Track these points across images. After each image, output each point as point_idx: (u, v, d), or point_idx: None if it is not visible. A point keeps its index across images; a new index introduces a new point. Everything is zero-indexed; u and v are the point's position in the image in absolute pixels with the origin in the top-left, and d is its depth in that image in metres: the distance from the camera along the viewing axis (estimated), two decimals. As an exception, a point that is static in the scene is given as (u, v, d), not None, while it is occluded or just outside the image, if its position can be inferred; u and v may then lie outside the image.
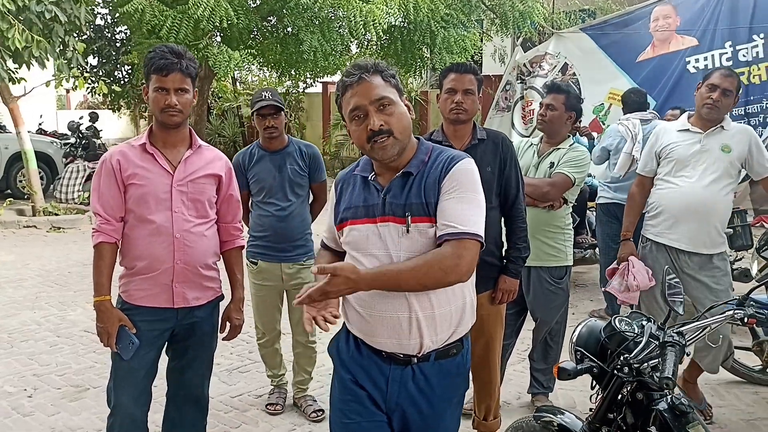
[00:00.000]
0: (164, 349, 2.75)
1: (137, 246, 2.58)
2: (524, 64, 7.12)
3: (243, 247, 2.86)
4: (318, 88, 16.55)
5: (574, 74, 6.85)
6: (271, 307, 3.72)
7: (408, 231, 1.89)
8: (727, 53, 6.03)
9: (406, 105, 1.97)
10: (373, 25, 7.48)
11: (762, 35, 5.82)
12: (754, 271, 4.28)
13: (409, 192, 1.93)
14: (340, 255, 2.13)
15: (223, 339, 2.83)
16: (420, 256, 1.86)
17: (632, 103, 5.30)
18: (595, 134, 6.23)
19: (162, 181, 2.56)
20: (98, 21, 12.01)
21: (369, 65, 1.93)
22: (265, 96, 3.54)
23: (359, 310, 1.97)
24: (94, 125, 12.12)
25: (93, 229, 2.59)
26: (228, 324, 2.83)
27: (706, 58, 6.15)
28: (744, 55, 5.92)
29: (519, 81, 7.15)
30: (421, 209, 1.90)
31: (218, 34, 8.30)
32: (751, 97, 5.77)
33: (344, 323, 2.10)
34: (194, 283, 2.64)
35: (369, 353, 2.00)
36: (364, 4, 7.53)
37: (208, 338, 2.77)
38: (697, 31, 6.19)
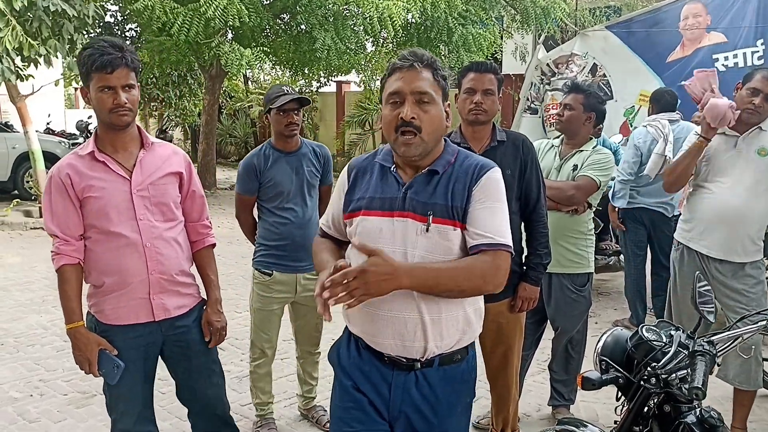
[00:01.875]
0: (163, 369, 2.60)
1: (104, 261, 2.39)
2: (547, 65, 6.98)
3: (214, 245, 2.67)
4: (332, 88, 16.48)
5: (604, 75, 6.72)
6: (277, 321, 3.50)
7: (428, 230, 1.87)
8: (758, 51, 5.87)
9: (446, 111, 1.94)
10: (390, 21, 7.37)
11: None
12: (788, 280, 4.13)
13: (434, 191, 1.90)
14: (341, 246, 2.09)
15: (209, 346, 2.61)
16: (458, 260, 1.87)
17: (665, 102, 5.14)
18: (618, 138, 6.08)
19: (120, 188, 2.37)
20: (108, 18, 11.97)
21: (426, 57, 1.90)
22: (286, 90, 3.35)
23: (363, 308, 1.89)
24: (103, 124, 12.09)
25: (52, 252, 2.40)
26: (210, 328, 2.60)
27: (735, 56, 6.00)
28: None
29: (541, 82, 7.02)
30: (445, 211, 1.88)
31: (230, 32, 8.22)
32: None
33: (345, 328, 2.08)
34: (173, 291, 2.49)
35: (371, 358, 1.97)
36: (381, 1, 7.41)
37: (203, 345, 2.60)
38: (728, 28, 6.03)
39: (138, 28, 11.32)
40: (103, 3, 9.75)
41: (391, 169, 1.95)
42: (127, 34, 12.60)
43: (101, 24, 11.14)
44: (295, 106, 3.32)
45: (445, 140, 2.00)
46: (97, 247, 2.40)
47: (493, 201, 1.90)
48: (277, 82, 15.97)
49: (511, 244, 1.90)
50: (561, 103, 3.53)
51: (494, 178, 1.93)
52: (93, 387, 4.06)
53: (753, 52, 5.92)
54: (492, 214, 1.89)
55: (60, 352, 4.66)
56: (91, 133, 11.79)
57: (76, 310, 2.39)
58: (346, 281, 1.71)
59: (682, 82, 3.22)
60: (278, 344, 3.61)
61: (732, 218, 3.25)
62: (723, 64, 6.07)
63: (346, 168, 2.06)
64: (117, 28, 12.53)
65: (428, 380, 1.95)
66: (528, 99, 7.13)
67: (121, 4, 10.86)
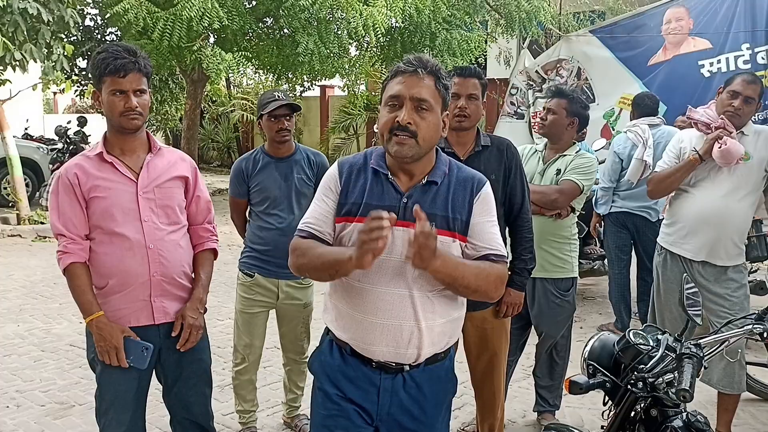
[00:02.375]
0: (154, 373, 2.57)
1: (108, 262, 2.40)
2: (536, 71, 7.00)
3: (214, 250, 2.64)
4: (316, 92, 16.42)
5: (587, 79, 6.75)
6: (260, 327, 3.45)
7: None
8: (744, 56, 5.92)
9: (444, 121, 1.96)
10: (373, 27, 7.35)
11: None
12: (770, 283, 4.16)
13: (433, 202, 1.93)
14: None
15: (178, 345, 2.50)
16: (478, 263, 1.92)
17: (645, 106, 5.16)
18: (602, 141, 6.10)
19: (126, 190, 2.40)
20: (87, 22, 11.84)
21: (431, 64, 1.91)
22: (278, 96, 3.32)
23: (356, 315, 1.93)
24: (83, 130, 11.91)
25: (58, 251, 2.38)
26: (182, 324, 2.49)
27: (719, 61, 6.04)
28: (763, 58, 5.82)
29: (529, 88, 7.03)
30: (445, 222, 1.91)
31: (212, 35, 8.16)
32: (766, 102, 5.66)
33: (324, 336, 2.08)
34: (173, 295, 2.49)
35: (357, 364, 1.97)
36: (365, 7, 7.39)
37: (199, 353, 2.58)
38: (712, 33, 6.08)
39: (118, 32, 11.21)
40: (82, 7, 9.66)
41: (388, 176, 1.94)
42: (107, 38, 12.47)
43: (80, 28, 11.01)
44: (286, 111, 3.29)
45: (437, 150, 2.01)
46: (100, 249, 2.41)
47: (492, 215, 2.00)
48: (260, 86, 15.90)
49: (506, 256, 2.00)
50: (544, 107, 3.53)
51: (490, 192, 2.01)
52: (71, 398, 4.00)
53: (737, 57, 5.97)
54: (493, 228, 1.99)
55: (37, 362, 4.58)
56: (70, 139, 11.70)
57: (92, 301, 2.38)
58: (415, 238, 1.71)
59: (685, 116, 3.24)
60: (263, 352, 3.56)
61: (715, 222, 3.25)
62: (708, 70, 6.12)
63: (335, 167, 2.02)
64: (97, 32, 12.40)
65: (416, 381, 1.98)
66: (514, 104, 7.14)
67: (100, 8, 10.75)
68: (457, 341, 2.97)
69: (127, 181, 2.41)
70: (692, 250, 3.31)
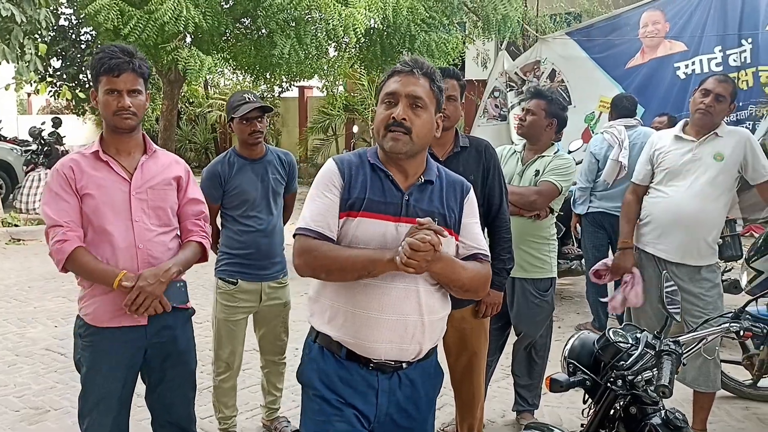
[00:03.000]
0: (139, 374, 2.56)
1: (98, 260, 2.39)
2: (515, 73, 7.06)
3: (201, 244, 2.57)
4: (294, 93, 16.36)
5: (562, 81, 6.80)
6: (242, 332, 3.42)
7: None
8: (716, 58, 6.02)
9: (437, 122, 2.02)
10: (353, 28, 7.34)
11: (750, 40, 5.82)
12: (743, 282, 4.22)
13: (431, 200, 2.00)
14: None
15: (123, 303, 2.37)
16: (470, 263, 2.00)
17: (623, 108, 5.21)
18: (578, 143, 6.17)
19: (119, 189, 2.41)
20: (62, 21, 11.67)
21: (427, 67, 1.98)
22: (249, 98, 3.29)
23: (359, 312, 1.93)
24: (57, 131, 11.74)
25: (56, 242, 2.33)
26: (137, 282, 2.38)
27: (694, 63, 6.14)
28: (734, 60, 5.92)
29: (509, 89, 7.08)
30: (443, 220, 1.98)
31: (188, 36, 8.07)
32: (740, 103, 5.76)
33: (312, 344, 2.05)
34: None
35: (354, 367, 1.97)
36: (344, 8, 7.37)
37: (184, 356, 2.59)
38: (687, 36, 6.17)
39: (93, 32, 11.06)
40: (56, 7, 9.51)
41: (389, 174, 1.97)
42: (81, 38, 12.30)
43: (54, 28, 10.86)
44: (257, 114, 3.26)
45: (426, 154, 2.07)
46: (90, 247, 2.39)
47: (477, 217, 2.11)
48: (238, 87, 15.81)
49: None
50: (523, 108, 3.55)
51: (474, 195, 2.12)
52: (47, 402, 3.95)
53: (710, 59, 6.07)
54: (479, 229, 2.10)
55: (12, 367, 4.51)
56: (44, 140, 11.50)
57: (108, 267, 2.36)
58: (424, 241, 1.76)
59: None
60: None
61: (688, 222, 3.29)
62: (684, 72, 6.21)
63: (332, 164, 2.02)
64: (71, 32, 12.23)
65: (410, 379, 2.01)
66: (498, 106, 7.20)
67: (75, 8, 10.60)
68: None
69: (120, 180, 2.42)
70: (666, 250, 3.35)
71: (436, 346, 2.10)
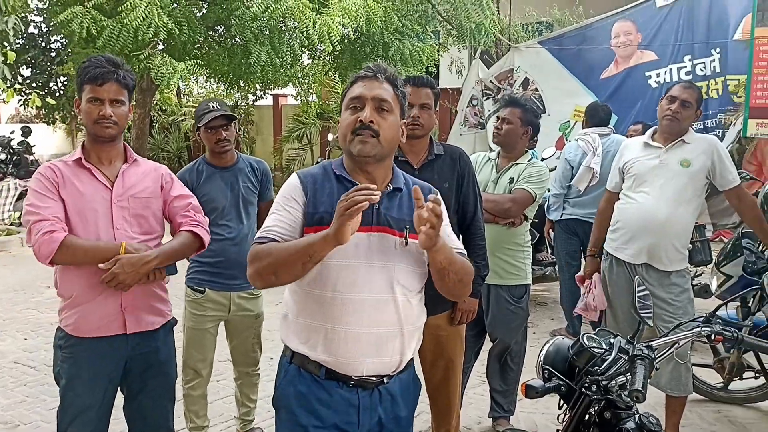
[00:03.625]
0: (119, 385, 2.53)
1: (78, 269, 2.37)
2: (490, 81, 7.13)
3: (192, 232, 2.51)
4: (269, 101, 16.29)
5: (536, 89, 6.87)
6: (212, 341, 3.39)
7: (406, 244, 1.91)
8: (686, 67, 6.14)
9: (402, 128, 1.99)
10: (328, 36, 7.35)
11: (718, 50, 5.94)
12: (713, 286, 4.29)
13: (401, 208, 1.96)
14: None
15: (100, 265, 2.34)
16: (461, 259, 1.97)
17: (597, 117, 5.29)
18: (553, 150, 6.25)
19: (101, 196, 2.41)
20: (31, 29, 11.51)
21: (390, 72, 1.96)
22: (213, 107, 3.28)
23: (338, 329, 1.87)
24: (27, 140, 11.55)
25: (44, 233, 2.26)
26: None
27: (665, 72, 6.25)
28: (702, 70, 6.04)
29: (486, 98, 7.15)
30: (414, 227, 1.90)
31: (161, 43, 8.01)
32: (710, 112, 5.88)
33: (287, 365, 1.97)
34: (145, 305, 2.48)
35: (333, 387, 1.91)
36: (319, 16, 7.38)
37: (165, 367, 2.57)
38: (658, 45, 6.29)
39: (63, 40, 10.92)
40: (26, 14, 9.37)
41: (356, 183, 1.90)
42: (52, 46, 12.15)
43: (23, 36, 10.71)
44: (222, 122, 3.25)
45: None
46: None
47: (447, 220, 2.00)
48: (212, 95, 15.70)
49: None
50: (498, 116, 3.57)
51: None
52: (16, 417, 3.87)
53: (680, 68, 6.19)
54: (451, 230, 2.06)
55: (-21, 382, 4.41)
56: (13, 149, 11.30)
57: (105, 243, 2.34)
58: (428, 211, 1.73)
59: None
60: (214, 365, 3.50)
61: (657, 227, 3.33)
62: (655, 81, 6.32)
63: (295, 179, 1.99)
64: (41, 39, 12.07)
65: (390, 393, 1.96)
66: (477, 114, 7.27)
67: (45, 16, 10.47)
68: None
69: (102, 188, 2.42)
70: (635, 255, 3.39)
71: (413, 356, 2.07)
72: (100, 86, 2.34)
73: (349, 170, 1.96)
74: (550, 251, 5.97)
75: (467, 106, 7.39)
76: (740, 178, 3.59)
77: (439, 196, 1.84)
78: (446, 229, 2.02)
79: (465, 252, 2.08)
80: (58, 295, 2.46)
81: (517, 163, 3.52)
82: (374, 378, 1.92)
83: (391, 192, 1.96)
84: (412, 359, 2.05)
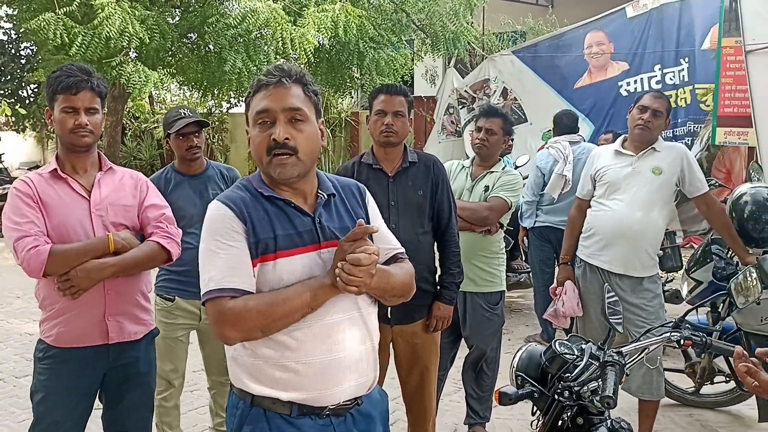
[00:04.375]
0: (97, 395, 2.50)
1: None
2: (465, 90, 7.18)
3: (158, 244, 2.48)
4: (243, 109, 16.20)
5: (515, 99, 6.94)
6: (183, 350, 3.35)
7: None
8: (656, 76, 6.25)
9: (320, 129, 1.82)
10: (303, 45, 7.35)
11: (687, 59, 6.06)
12: (684, 292, 4.35)
13: (339, 215, 1.83)
14: None
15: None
16: (394, 266, 1.86)
17: (563, 125, 5.37)
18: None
19: (79, 207, 2.39)
20: (0, 36, 11.33)
21: (294, 71, 1.76)
22: (184, 113, 3.25)
23: (310, 360, 1.71)
24: (-4, 149, 11.38)
25: (29, 249, 2.23)
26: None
27: (636, 81, 6.36)
28: (671, 78, 6.16)
29: (461, 106, 7.20)
30: None
31: (133, 51, 7.93)
32: (678, 120, 5.99)
33: (250, 409, 1.75)
34: (129, 314, 2.47)
35: (307, 423, 1.74)
36: (295, 28, 7.38)
37: (145, 378, 2.55)
38: (629, 55, 6.40)
39: (33, 47, 10.76)
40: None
41: (290, 202, 1.76)
42: (21, 52, 11.97)
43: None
44: (194, 128, 3.22)
45: None
46: None
47: (380, 216, 1.97)
48: (185, 102, 15.58)
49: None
50: (481, 127, 3.54)
51: (369, 193, 1.98)
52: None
53: (650, 77, 6.30)
54: (386, 228, 1.95)
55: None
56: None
57: (93, 240, 2.34)
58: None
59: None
60: (188, 375, 3.45)
61: (630, 234, 3.37)
62: (626, 89, 6.43)
63: (222, 207, 1.74)
64: (11, 46, 11.88)
65: (362, 413, 1.83)
66: (453, 123, 7.33)
67: (14, 22, 10.30)
68: (388, 356, 2.99)
69: (79, 198, 2.40)
70: (609, 261, 3.42)
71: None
72: (74, 95, 2.32)
73: (272, 188, 1.77)
74: (524, 258, 6.01)
75: (444, 114, 7.45)
76: (709, 186, 3.65)
77: (363, 223, 1.68)
78: (383, 228, 1.92)
79: (402, 250, 1.93)
80: (40, 307, 2.43)
81: (492, 171, 3.54)
82: (350, 402, 1.79)
83: (326, 201, 1.81)
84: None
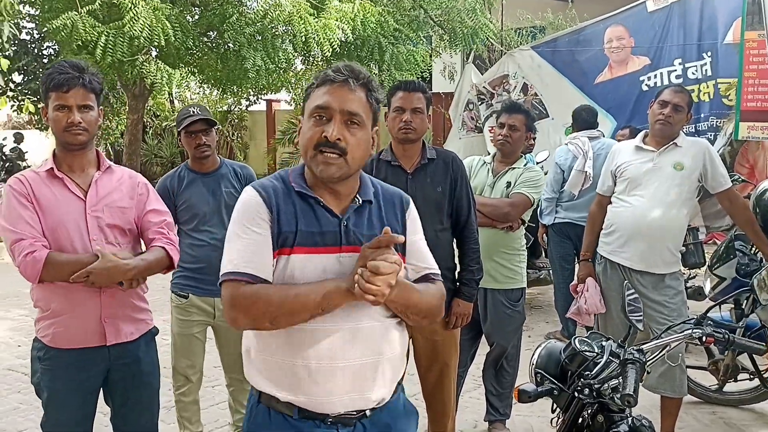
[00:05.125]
0: (102, 395, 2.51)
1: (56, 282, 2.32)
2: (484, 87, 7.15)
3: (164, 249, 2.48)
4: (262, 106, 16.29)
5: (536, 94, 6.90)
6: (200, 346, 3.37)
7: None
8: (676, 71, 6.17)
9: (373, 137, 1.78)
10: (328, 40, 7.36)
11: (710, 53, 5.97)
12: (707, 288, 4.31)
13: (371, 222, 1.77)
14: None
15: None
16: (422, 284, 1.80)
17: (582, 120, 5.33)
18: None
19: (75, 207, 2.37)
20: (24, 36, 11.48)
21: (362, 75, 1.73)
22: (193, 111, 3.28)
23: (310, 365, 1.67)
24: (19, 146, 11.53)
25: (25, 254, 2.24)
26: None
27: (656, 76, 6.28)
28: (693, 73, 6.07)
29: (480, 103, 7.17)
30: None
31: (154, 50, 8.00)
32: (702, 115, 5.91)
33: (256, 405, 1.76)
34: (125, 315, 2.45)
35: (307, 426, 1.70)
36: (317, 20, 7.39)
37: (148, 377, 2.54)
38: (650, 49, 6.32)
39: (56, 47, 10.89)
40: (18, 21, 9.34)
41: (320, 201, 1.73)
42: (44, 52, 12.12)
43: (15, 42, 10.68)
44: (202, 126, 3.25)
45: None
46: None
47: (421, 232, 1.88)
48: (205, 100, 15.69)
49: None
50: (504, 123, 3.52)
51: (414, 208, 1.89)
52: (10, 424, 3.85)
53: (671, 72, 6.22)
54: (424, 245, 1.87)
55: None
56: (5, 156, 11.24)
57: (85, 256, 2.28)
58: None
59: None
60: (208, 371, 3.49)
61: (651, 231, 3.34)
62: (646, 84, 6.35)
63: (254, 194, 1.73)
64: (33, 46, 12.04)
65: (376, 426, 1.76)
66: (473, 119, 7.31)
67: (37, 22, 10.44)
68: (408, 352, 3.00)
69: (75, 198, 2.37)
70: (630, 258, 3.39)
71: (400, 383, 1.87)
72: (66, 93, 2.29)
73: (310, 184, 1.75)
74: (543, 255, 5.99)
75: (464, 110, 7.42)
76: (732, 181, 3.61)
77: (390, 233, 1.62)
78: (419, 245, 1.85)
79: (436, 271, 1.86)
80: (35, 306, 2.42)
81: (514, 167, 3.53)
82: (355, 413, 1.72)
83: (359, 206, 1.76)
84: (399, 387, 1.86)
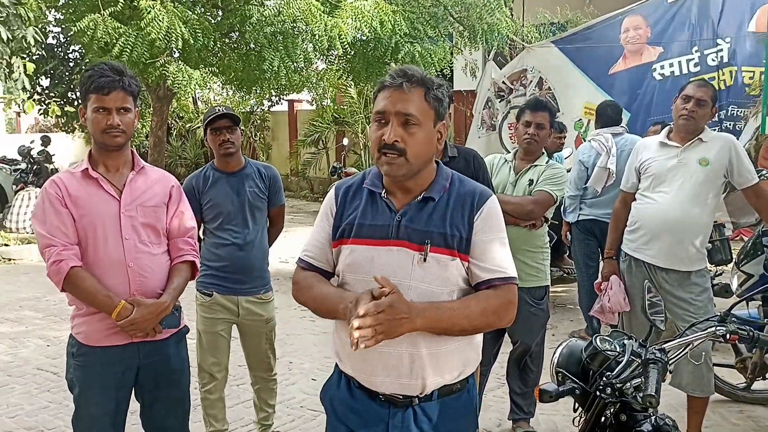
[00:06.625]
0: (132, 392, 2.55)
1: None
2: (503, 82, 7.13)
3: (192, 263, 2.58)
4: (284, 106, 16.38)
5: (549, 89, 6.86)
6: (225, 344, 3.41)
7: (425, 260, 1.78)
8: (694, 59, 6.09)
9: (440, 131, 1.85)
10: (339, 39, 7.37)
11: (727, 39, 5.88)
12: (734, 285, 4.25)
13: (430, 219, 1.82)
14: (328, 278, 1.94)
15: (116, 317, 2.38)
16: (470, 298, 1.81)
17: (606, 117, 5.27)
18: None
19: (109, 207, 2.41)
20: (50, 40, 11.68)
21: (417, 76, 1.80)
22: (219, 110, 3.31)
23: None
24: (47, 149, 11.70)
25: (52, 262, 2.31)
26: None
27: (672, 65, 6.21)
28: (713, 60, 5.98)
29: (499, 99, 7.15)
30: (443, 240, 1.81)
31: (176, 51, 8.09)
32: (720, 103, 5.82)
33: (336, 365, 1.97)
34: None
35: (364, 398, 1.87)
36: (330, 18, 7.40)
37: (178, 375, 2.58)
38: (666, 37, 6.25)
39: (81, 50, 11.06)
40: (45, 25, 9.50)
41: (381, 194, 1.85)
42: (69, 56, 12.31)
43: (42, 46, 10.87)
44: (226, 123, 3.27)
45: (437, 163, 1.93)
46: (83, 265, 2.37)
47: (497, 232, 1.86)
48: (228, 102, 15.82)
49: (517, 276, 1.87)
50: (531, 122, 3.48)
51: (495, 207, 1.88)
52: (40, 422, 3.93)
53: (689, 60, 6.14)
54: (501, 247, 1.85)
55: (4, 387, 4.48)
56: (33, 159, 11.45)
57: (109, 294, 2.34)
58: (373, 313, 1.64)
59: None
60: (234, 369, 3.52)
61: (676, 227, 3.31)
62: (660, 73, 6.28)
63: (332, 190, 1.95)
64: (59, 50, 12.23)
65: (427, 415, 1.84)
66: (491, 116, 7.29)
67: (63, 26, 10.60)
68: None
69: (110, 198, 2.41)
70: (655, 256, 3.37)
71: (469, 380, 1.92)
72: (106, 95, 2.33)
73: (384, 182, 1.88)
74: (567, 253, 5.94)
75: (483, 108, 7.39)
76: (759, 176, 3.55)
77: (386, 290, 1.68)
78: (487, 247, 1.83)
79: (504, 275, 1.83)
80: (69, 304, 2.49)
81: (536, 165, 3.51)
82: (401, 396, 1.82)
83: (420, 201, 1.84)
84: (463, 382, 1.90)
